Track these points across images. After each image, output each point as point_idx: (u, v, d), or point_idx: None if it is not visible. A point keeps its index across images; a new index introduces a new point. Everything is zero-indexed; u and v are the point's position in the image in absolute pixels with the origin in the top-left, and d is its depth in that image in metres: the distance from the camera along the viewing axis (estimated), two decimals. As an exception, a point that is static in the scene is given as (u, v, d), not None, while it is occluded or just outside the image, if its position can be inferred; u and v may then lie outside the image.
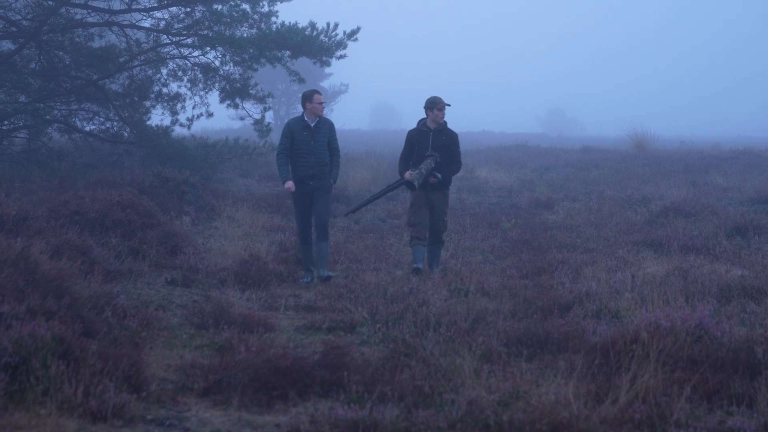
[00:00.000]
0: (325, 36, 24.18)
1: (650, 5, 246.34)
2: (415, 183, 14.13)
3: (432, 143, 14.59)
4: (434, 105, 14.60)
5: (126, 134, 24.95)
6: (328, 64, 25.27)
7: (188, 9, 23.53)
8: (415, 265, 14.32)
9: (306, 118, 14.42)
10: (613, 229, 19.52)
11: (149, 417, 7.54)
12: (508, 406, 7.91)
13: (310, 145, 14.27)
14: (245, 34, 23.60)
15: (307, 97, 14.41)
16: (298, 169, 14.32)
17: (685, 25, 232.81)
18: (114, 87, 25.11)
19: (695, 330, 9.52)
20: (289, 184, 14.25)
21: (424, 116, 14.82)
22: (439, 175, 14.43)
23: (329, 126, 14.57)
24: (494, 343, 9.89)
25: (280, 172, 14.47)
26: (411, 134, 14.83)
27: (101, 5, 23.51)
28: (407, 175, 14.31)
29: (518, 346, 9.85)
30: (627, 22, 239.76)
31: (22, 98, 21.09)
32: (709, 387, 8.22)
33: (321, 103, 14.44)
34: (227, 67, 25.02)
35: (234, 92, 25.28)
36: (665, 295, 11.75)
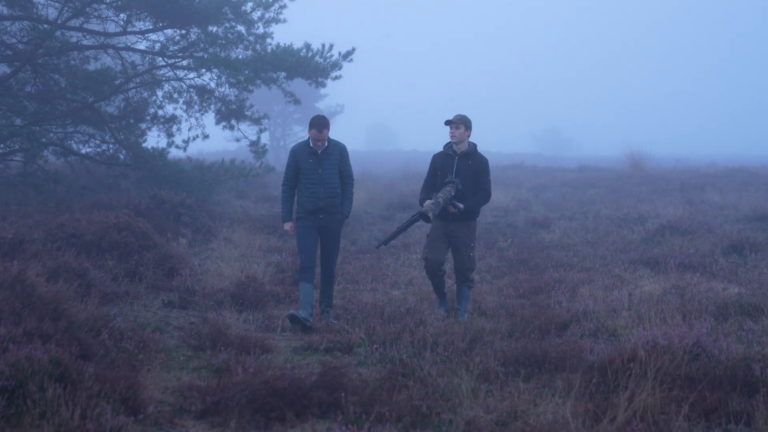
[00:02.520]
0: (321, 57, 24.27)
1: (648, 27, 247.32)
2: (430, 215, 12.38)
3: (456, 169, 12.75)
4: (449, 123, 12.87)
5: (122, 156, 24.98)
6: (324, 85, 25.35)
7: (183, 31, 23.60)
8: (437, 309, 13.04)
9: (312, 144, 12.56)
10: (610, 247, 19.53)
11: (147, 439, 7.53)
12: (506, 425, 7.92)
13: (317, 174, 12.50)
14: (240, 56, 23.72)
15: (309, 125, 12.56)
16: (305, 201, 12.58)
17: (681, 46, 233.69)
18: (110, 109, 25.17)
19: (693, 348, 9.54)
20: (288, 226, 12.74)
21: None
22: (461, 206, 12.58)
23: (340, 150, 12.72)
24: (492, 362, 9.90)
25: (282, 207, 12.81)
26: (435, 158, 13.04)
27: (96, 28, 23.55)
28: (426, 204, 12.57)
29: (516, 366, 9.85)
30: (624, 43, 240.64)
31: (18, 121, 21.13)
32: (707, 405, 8.22)
33: (317, 140, 12.50)
34: (223, 89, 25.11)
35: (230, 114, 25.36)
36: (662, 314, 11.76)
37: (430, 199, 12.69)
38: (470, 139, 12.98)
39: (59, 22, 21.78)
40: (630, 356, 9.14)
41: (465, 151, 12.85)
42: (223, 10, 23.12)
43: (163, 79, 24.74)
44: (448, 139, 12.78)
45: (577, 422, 7.61)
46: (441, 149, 13.09)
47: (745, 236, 19.34)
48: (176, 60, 23.83)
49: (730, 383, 8.75)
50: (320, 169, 12.55)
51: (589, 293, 13.90)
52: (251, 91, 24.59)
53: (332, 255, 12.83)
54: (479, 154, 12.96)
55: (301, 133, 76.67)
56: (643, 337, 9.79)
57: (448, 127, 12.91)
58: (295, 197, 12.90)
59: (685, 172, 45.36)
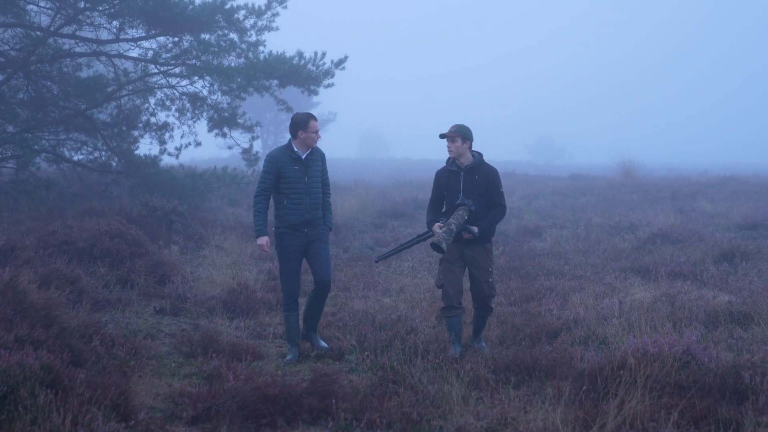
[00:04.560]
0: (313, 65, 24.33)
1: (638, 35, 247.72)
2: (443, 246, 10.69)
3: (464, 186, 11.17)
4: (444, 136, 11.35)
5: (114, 164, 25.00)
6: (316, 93, 25.44)
7: (176, 39, 23.65)
8: (452, 351, 10.96)
9: (296, 149, 11.24)
10: (601, 256, 19.54)
11: (138, 446, 7.54)
12: (496, 432, 7.93)
13: (303, 182, 11.15)
14: (233, 64, 23.76)
15: (301, 124, 11.26)
16: (289, 214, 11.14)
17: (672, 55, 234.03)
18: (102, 116, 25.18)
19: (682, 356, 9.55)
20: (263, 241, 11.26)
21: None
22: (475, 230, 11.03)
23: (321, 157, 11.49)
24: (482, 370, 9.92)
25: (256, 220, 11.31)
26: (439, 175, 11.45)
27: (89, 35, 23.59)
28: (435, 228, 11.03)
29: (506, 373, 9.87)
30: (616, 53, 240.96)
31: (10, 128, 21.14)
32: (697, 412, 8.24)
33: (317, 132, 11.33)
34: (215, 97, 25.14)
35: (222, 121, 25.39)
36: (653, 321, 11.78)
37: (439, 222, 11.14)
38: (474, 149, 11.38)
39: (52, 29, 21.80)
40: (620, 364, 9.16)
41: (470, 165, 11.23)
42: (216, 17, 23.17)
43: (156, 86, 24.78)
44: (446, 147, 11.90)
45: (567, 429, 7.63)
46: (444, 164, 11.49)
47: (735, 245, 19.38)
48: (169, 67, 23.87)
49: (719, 391, 8.77)
50: (306, 177, 11.21)
51: (579, 301, 13.92)
52: (244, 99, 24.66)
53: (325, 267, 11.28)
54: (486, 165, 11.31)
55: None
56: (633, 344, 9.80)
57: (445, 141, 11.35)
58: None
59: (677, 180, 45.42)
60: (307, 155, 11.28)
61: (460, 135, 11.17)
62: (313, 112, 75.44)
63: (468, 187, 11.18)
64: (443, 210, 11.41)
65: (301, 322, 11.75)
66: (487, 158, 11.20)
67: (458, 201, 11.13)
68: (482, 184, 11.20)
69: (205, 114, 25.41)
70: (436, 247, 10.72)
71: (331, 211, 11.62)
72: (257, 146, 40.46)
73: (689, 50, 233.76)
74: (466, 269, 11.45)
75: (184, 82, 24.41)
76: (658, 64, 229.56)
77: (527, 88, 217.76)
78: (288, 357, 11.01)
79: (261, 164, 26.91)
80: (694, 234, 21.72)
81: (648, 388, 8.46)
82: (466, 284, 12.50)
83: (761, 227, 23.96)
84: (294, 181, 11.16)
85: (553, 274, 16.91)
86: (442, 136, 11.30)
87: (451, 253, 11.20)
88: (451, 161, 11.34)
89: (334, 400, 8.55)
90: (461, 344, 11.19)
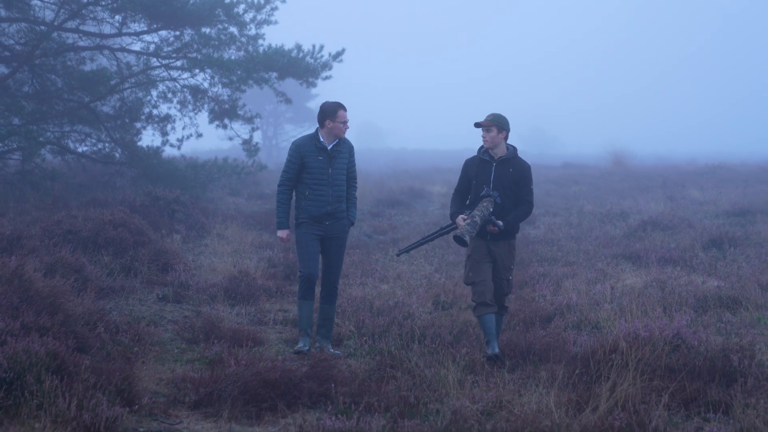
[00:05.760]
0: (311, 57, 24.27)
1: (629, 26, 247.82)
2: (466, 238, 10.06)
3: (495, 177, 10.40)
4: (479, 125, 10.55)
5: (117, 155, 24.94)
6: (314, 85, 25.35)
7: (177, 32, 23.60)
8: (488, 351, 10.05)
9: (322, 138, 10.60)
10: (593, 242, 19.55)
11: (141, 430, 7.54)
12: (492, 415, 7.94)
13: (327, 173, 10.53)
14: (233, 57, 23.67)
15: (328, 113, 10.62)
16: (311, 206, 10.54)
17: (662, 45, 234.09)
18: (105, 109, 25.09)
19: (673, 339, 9.57)
20: (284, 234, 10.78)
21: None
22: (500, 223, 10.23)
23: (349, 149, 10.83)
24: (477, 354, 9.94)
25: (277, 212, 10.77)
26: (468, 165, 10.65)
27: (92, 30, 23.53)
28: (459, 220, 10.28)
29: (501, 357, 9.87)
30: (608, 42, 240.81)
31: (16, 121, 21.10)
32: (687, 395, 8.26)
33: (345, 123, 10.70)
34: (216, 89, 25.08)
35: (222, 113, 25.35)
36: (644, 306, 11.80)
37: (463, 214, 10.39)
38: (508, 141, 10.55)
39: (56, 23, 21.74)
40: (612, 348, 9.19)
41: (503, 157, 10.45)
42: (216, 11, 23.10)
43: (158, 79, 24.71)
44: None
45: (560, 412, 7.63)
46: (475, 153, 10.69)
47: (724, 231, 19.42)
48: (170, 61, 23.83)
49: (709, 373, 8.79)
50: (330, 168, 10.57)
51: (572, 287, 13.93)
52: (243, 91, 24.62)
53: (336, 268, 10.80)
54: (520, 159, 10.59)
55: (292, 132, 76.73)
56: (625, 329, 9.81)
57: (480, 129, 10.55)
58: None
59: (667, 169, 45.46)
60: (334, 146, 10.64)
61: (495, 125, 10.39)
62: (311, 104, 75.51)
63: (499, 179, 10.39)
64: (468, 202, 10.62)
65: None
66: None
67: (483, 192, 10.37)
68: (514, 178, 10.41)
69: (206, 106, 25.36)
70: (459, 239, 10.09)
71: (355, 205, 10.96)
72: (257, 137, 40.42)
73: (680, 41, 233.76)
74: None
75: (186, 75, 24.40)
76: (650, 53, 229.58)
77: (521, 78, 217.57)
78: (299, 345, 10.55)
79: (260, 155, 26.91)
80: (684, 221, 21.73)
81: (639, 371, 8.47)
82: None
83: (748, 214, 24.01)
84: (317, 172, 10.55)
85: (547, 260, 16.92)
86: (477, 125, 10.51)
87: (478, 249, 10.42)
88: (483, 150, 10.53)
89: (333, 385, 8.56)
90: (497, 347, 10.07)
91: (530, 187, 10.51)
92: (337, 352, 10.41)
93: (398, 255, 11.69)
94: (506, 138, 10.47)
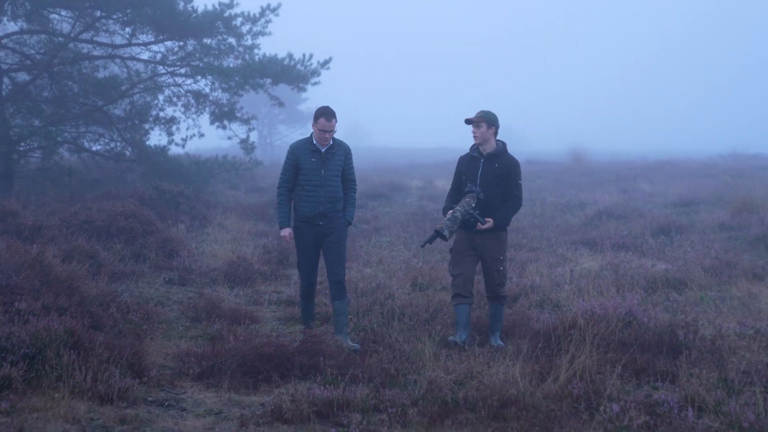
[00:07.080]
0: (302, 65, 24.29)
1: (590, 23, 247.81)
2: (445, 233, 9.61)
3: (482, 173, 9.85)
4: (469, 122, 9.99)
5: (128, 153, 24.89)
6: (305, 90, 25.39)
7: (181, 43, 23.58)
8: (452, 337, 9.66)
9: (315, 141, 9.92)
10: (554, 230, 19.58)
11: (150, 399, 7.53)
12: (464, 384, 7.96)
13: (320, 175, 9.82)
14: (231, 65, 23.67)
15: (314, 117, 9.98)
16: (304, 206, 9.91)
17: (620, 44, 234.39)
18: (117, 112, 25.01)
19: (625, 317, 9.62)
20: (286, 232, 9.99)
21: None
22: (489, 221, 9.72)
23: (345, 151, 10.05)
24: (450, 330, 9.94)
25: (279, 212, 10.09)
26: (460, 162, 10.14)
27: (105, 40, 23.43)
28: (441, 221, 9.76)
29: (472, 333, 9.88)
30: (571, 42, 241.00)
31: (37, 122, 21.07)
32: (638, 366, 8.29)
33: (325, 132, 9.83)
34: (216, 93, 25.09)
35: (222, 115, 25.34)
36: (599, 287, 11.84)
37: (452, 209, 9.90)
38: (498, 138, 10.01)
39: (72, 35, 21.69)
40: (571, 324, 9.23)
41: (492, 153, 9.88)
42: (216, 24, 23.11)
43: (164, 85, 24.69)
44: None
45: (525, 381, 7.65)
46: (467, 150, 10.18)
47: (671, 220, 19.51)
48: (175, 68, 23.80)
49: (657, 347, 8.83)
50: (323, 170, 9.86)
51: (536, 270, 13.96)
52: (241, 96, 24.61)
53: (338, 265, 9.96)
54: (509, 155, 9.97)
55: (285, 132, 76.67)
56: (582, 307, 9.86)
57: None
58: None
59: (620, 164, 45.48)
60: (327, 149, 9.92)
61: (485, 120, 9.84)
62: (303, 107, 75.22)
63: (486, 175, 9.83)
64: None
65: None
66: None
67: (467, 188, 9.83)
68: (501, 174, 9.82)
69: (207, 109, 25.33)
70: (439, 234, 9.62)
71: (353, 205, 10.20)
72: (253, 137, 40.41)
73: (635, 40, 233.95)
74: (479, 260, 10.06)
75: (189, 81, 24.38)
76: (605, 54, 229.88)
77: (486, 76, 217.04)
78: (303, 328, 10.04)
79: (256, 153, 26.87)
80: (635, 211, 21.82)
81: (595, 345, 8.51)
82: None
83: (693, 204, 24.11)
84: (310, 174, 9.86)
85: (513, 246, 16.92)
86: (467, 121, 9.91)
87: (461, 242, 9.97)
88: (474, 147, 9.98)
89: (321, 358, 8.56)
90: (468, 332, 9.71)
91: (518, 182, 9.90)
92: (355, 345, 9.56)
93: (422, 246, 10.31)
94: (495, 134, 9.94)
